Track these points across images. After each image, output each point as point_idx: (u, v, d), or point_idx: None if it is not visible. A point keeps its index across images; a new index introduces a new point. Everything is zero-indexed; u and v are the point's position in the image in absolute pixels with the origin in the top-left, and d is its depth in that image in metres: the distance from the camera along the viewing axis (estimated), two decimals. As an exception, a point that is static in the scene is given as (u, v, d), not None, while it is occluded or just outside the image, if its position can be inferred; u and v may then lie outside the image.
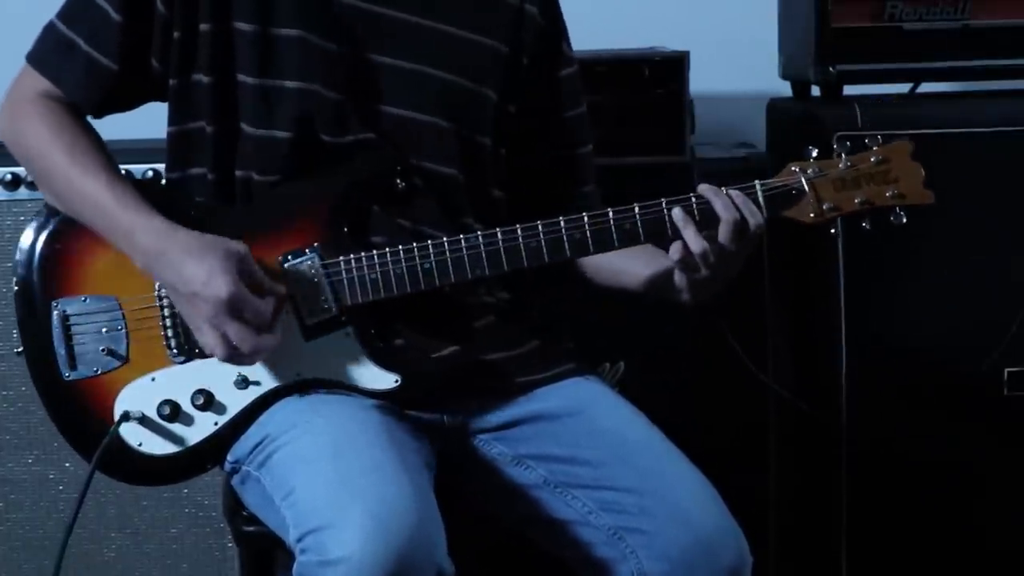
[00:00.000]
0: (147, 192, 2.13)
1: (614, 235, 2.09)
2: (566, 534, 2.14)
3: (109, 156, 2.17)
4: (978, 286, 2.90)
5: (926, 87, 3.08)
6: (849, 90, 2.96)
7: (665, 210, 2.09)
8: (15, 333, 2.86)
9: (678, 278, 2.13)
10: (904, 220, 2.12)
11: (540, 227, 2.10)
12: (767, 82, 3.21)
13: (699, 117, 3.00)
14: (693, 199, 2.09)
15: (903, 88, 3.06)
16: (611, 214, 2.10)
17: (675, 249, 2.07)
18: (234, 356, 2.04)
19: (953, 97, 3.17)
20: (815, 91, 3.03)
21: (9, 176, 2.89)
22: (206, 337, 2.04)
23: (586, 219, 2.09)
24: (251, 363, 2.08)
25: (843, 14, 2.91)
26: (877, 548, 2.92)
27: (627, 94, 2.95)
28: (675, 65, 2.95)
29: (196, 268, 2.02)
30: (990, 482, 2.92)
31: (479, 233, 2.11)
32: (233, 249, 2.04)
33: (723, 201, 2.07)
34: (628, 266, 2.27)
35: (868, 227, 2.13)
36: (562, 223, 2.10)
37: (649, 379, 2.84)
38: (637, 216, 2.09)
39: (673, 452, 2.15)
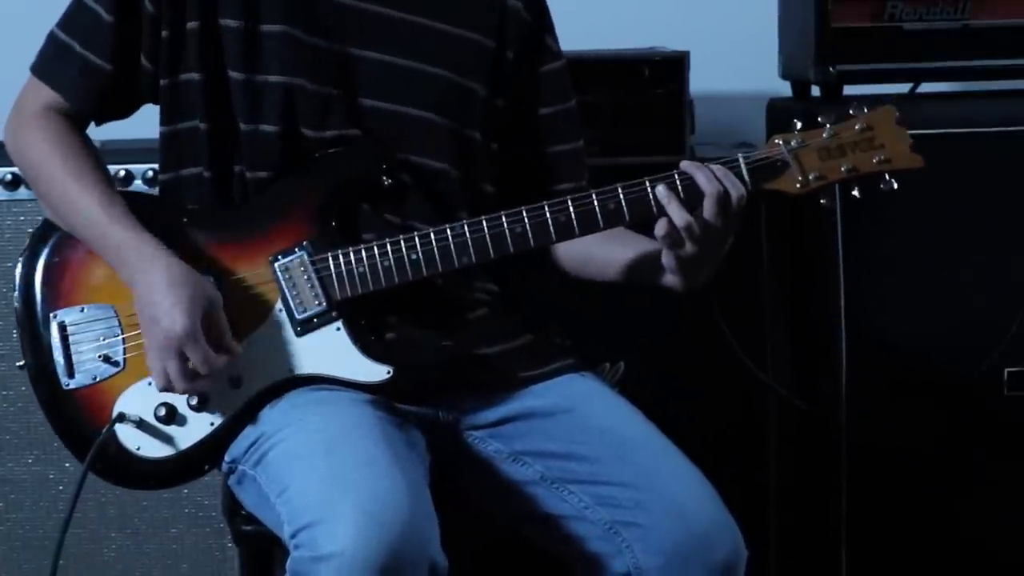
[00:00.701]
0: (141, 202, 2.17)
1: (599, 216, 2.09)
2: (562, 529, 2.14)
3: (106, 173, 2.20)
4: (978, 286, 2.90)
5: (926, 87, 3.08)
6: (849, 90, 2.96)
7: (649, 187, 2.09)
8: (15, 334, 2.88)
9: (665, 258, 2.11)
10: (895, 186, 2.10)
11: (524, 212, 2.10)
12: (767, 82, 3.21)
13: (699, 117, 3.01)
14: (676, 175, 2.08)
15: (903, 88, 3.05)
16: (595, 195, 2.10)
17: (660, 226, 2.07)
18: (167, 389, 2.08)
19: (953, 97, 3.17)
20: (815, 91, 3.03)
21: (9, 176, 2.89)
22: (151, 363, 2.08)
23: (570, 202, 2.09)
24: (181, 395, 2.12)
25: (843, 14, 2.91)
26: (877, 546, 2.92)
27: (627, 94, 2.95)
28: (675, 65, 2.95)
29: (163, 296, 2.05)
30: (989, 481, 2.92)
31: (464, 222, 2.11)
32: (206, 293, 2.07)
33: (705, 174, 2.07)
34: (608, 253, 2.26)
35: (859, 196, 2.11)
36: (546, 207, 2.10)
37: (648, 377, 2.84)
38: (621, 195, 2.09)
39: (669, 447, 2.14)
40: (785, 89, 3.17)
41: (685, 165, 2.09)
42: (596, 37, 2.92)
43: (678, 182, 2.08)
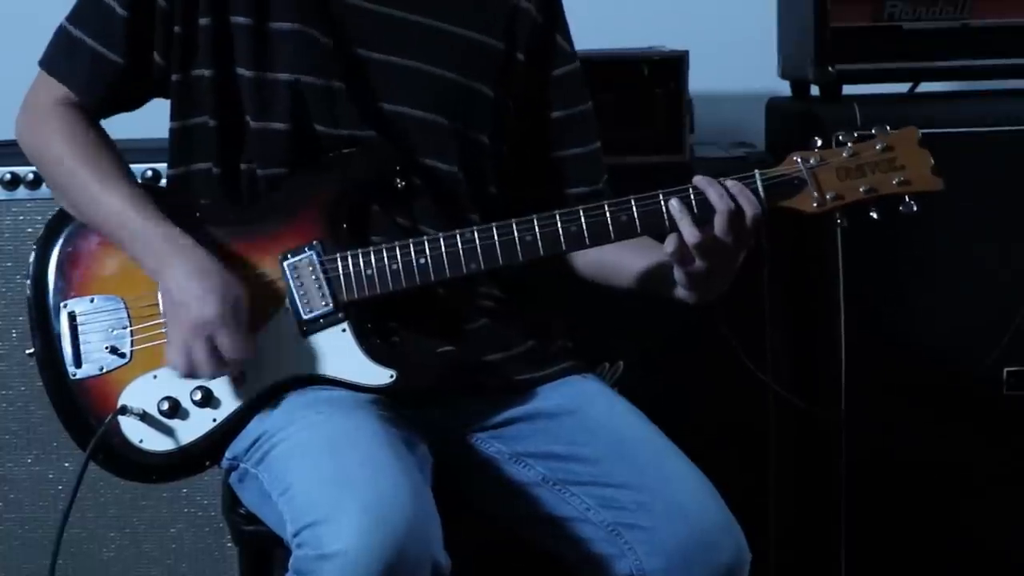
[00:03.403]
0: (153, 195, 2.17)
1: (610, 228, 2.08)
2: (564, 531, 2.14)
3: (125, 165, 2.21)
4: (978, 285, 2.90)
5: (925, 87, 3.09)
6: (848, 90, 2.97)
7: (662, 202, 2.07)
8: (15, 333, 2.89)
9: (676, 273, 2.10)
10: (915, 209, 2.06)
11: (535, 221, 2.09)
12: (766, 81, 3.21)
13: (698, 116, 3.00)
14: (691, 191, 2.06)
15: (902, 88, 3.06)
16: (607, 207, 2.08)
17: (670, 241, 2.05)
18: (190, 375, 2.09)
19: (952, 97, 3.17)
20: (814, 91, 3.03)
21: (8, 176, 2.89)
22: (173, 349, 2.09)
23: (581, 212, 2.08)
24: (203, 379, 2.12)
25: (842, 14, 2.91)
26: (876, 546, 2.93)
27: (627, 93, 2.95)
28: (674, 64, 2.95)
29: (196, 283, 2.06)
30: (989, 481, 2.92)
31: (475, 228, 2.11)
32: (235, 287, 2.09)
33: (717, 191, 2.04)
34: (622, 260, 2.25)
35: (877, 217, 2.07)
36: (557, 217, 2.09)
37: (649, 378, 2.85)
38: (634, 208, 2.08)
39: (671, 449, 2.15)
40: (784, 89, 3.17)
41: (698, 181, 2.06)
42: (596, 36, 2.91)
43: (692, 197, 2.06)
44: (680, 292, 2.14)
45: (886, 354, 2.89)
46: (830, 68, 2.91)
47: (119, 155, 2.21)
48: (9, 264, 2.89)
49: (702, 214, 2.05)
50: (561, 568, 2.17)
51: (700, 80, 2.99)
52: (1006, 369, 2.91)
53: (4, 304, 2.90)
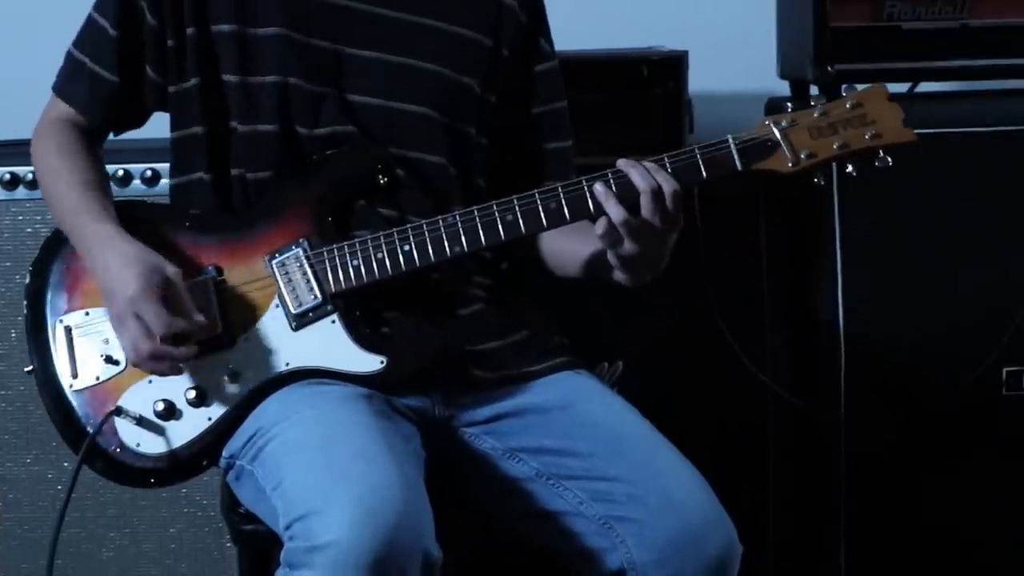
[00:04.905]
0: (144, 209, 2.25)
1: (589, 203, 2.10)
2: (558, 526, 2.14)
3: (98, 175, 2.28)
4: (977, 285, 2.90)
5: (924, 87, 3.08)
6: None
7: (586, 187, 2.10)
8: (14, 333, 2.89)
9: (609, 256, 2.13)
10: (889, 163, 2.09)
11: (515, 201, 2.11)
12: (765, 81, 3.20)
13: (698, 116, 3.00)
14: (610, 173, 2.10)
15: (902, 88, 3.05)
16: (537, 195, 2.11)
17: (600, 224, 2.08)
18: (137, 356, 2.10)
19: (952, 97, 3.17)
20: (814, 90, 3.03)
21: (8, 176, 2.89)
22: (119, 338, 2.12)
23: (560, 190, 2.11)
24: (158, 369, 2.12)
25: (841, 13, 2.91)
26: (875, 546, 2.92)
27: (626, 93, 2.96)
28: (674, 64, 2.96)
29: (118, 269, 2.10)
30: (988, 481, 2.92)
31: (456, 212, 2.13)
32: (160, 266, 2.11)
33: (639, 171, 2.07)
34: (569, 247, 2.28)
35: (854, 173, 2.10)
36: (537, 196, 2.11)
37: (648, 379, 2.84)
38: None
39: (663, 443, 2.15)
40: (784, 88, 3.17)
41: (621, 163, 2.10)
42: (595, 37, 2.93)
43: (611, 180, 2.09)
44: (617, 275, 2.17)
45: (885, 353, 2.89)
46: (829, 68, 2.91)
47: (100, 166, 2.29)
48: (8, 264, 2.89)
49: (623, 195, 2.07)
50: (553, 562, 2.17)
51: (699, 80, 3.00)
52: (1006, 369, 2.91)
53: (3, 304, 2.91)
